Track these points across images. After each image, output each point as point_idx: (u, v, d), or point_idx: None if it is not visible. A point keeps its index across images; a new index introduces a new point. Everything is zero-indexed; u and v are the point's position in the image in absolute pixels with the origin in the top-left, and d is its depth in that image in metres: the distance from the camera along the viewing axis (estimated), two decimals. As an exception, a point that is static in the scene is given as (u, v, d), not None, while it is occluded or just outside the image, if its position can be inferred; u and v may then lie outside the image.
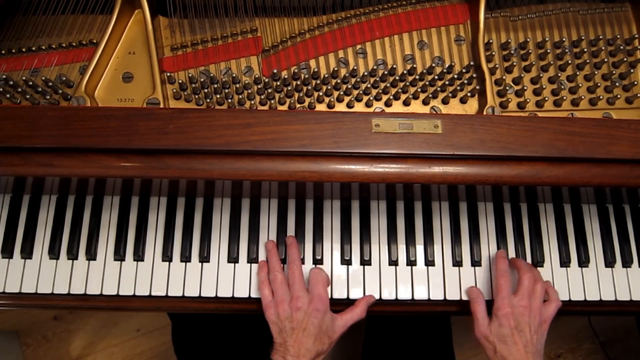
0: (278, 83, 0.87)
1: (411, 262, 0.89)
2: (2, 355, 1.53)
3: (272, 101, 0.86)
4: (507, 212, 0.93)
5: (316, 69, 0.87)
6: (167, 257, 0.88)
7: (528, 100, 0.87)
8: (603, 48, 0.92)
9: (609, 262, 0.91)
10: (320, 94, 0.88)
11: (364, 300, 0.86)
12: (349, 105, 0.88)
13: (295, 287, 0.82)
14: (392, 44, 0.91)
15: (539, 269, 0.90)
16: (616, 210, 0.94)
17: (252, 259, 0.89)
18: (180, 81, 0.87)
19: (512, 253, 0.91)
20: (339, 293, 0.87)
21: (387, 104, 0.88)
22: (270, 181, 0.80)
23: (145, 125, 0.75)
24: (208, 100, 0.85)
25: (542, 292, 0.83)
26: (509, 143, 0.76)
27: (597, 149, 0.76)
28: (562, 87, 0.90)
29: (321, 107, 0.87)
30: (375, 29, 0.91)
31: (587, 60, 0.90)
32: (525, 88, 0.88)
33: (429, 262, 0.89)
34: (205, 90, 0.86)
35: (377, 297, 0.88)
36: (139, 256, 0.88)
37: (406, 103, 0.88)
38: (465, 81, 0.88)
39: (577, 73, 0.90)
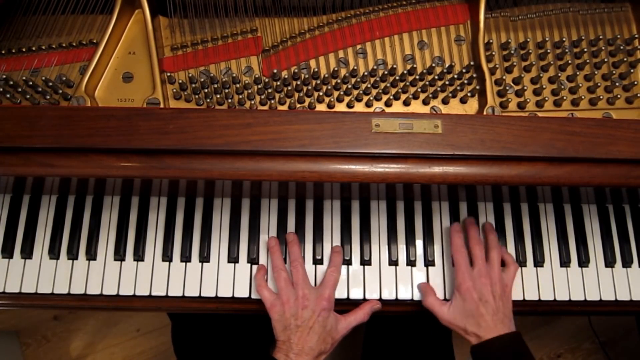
0: (278, 83, 0.87)
1: (411, 262, 0.89)
2: (2, 355, 1.53)
3: (272, 101, 0.86)
4: (507, 212, 0.93)
5: (316, 69, 0.87)
6: (167, 257, 0.88)
7: (528, 100, 0.87)
8: (603, 48, 0.92)
9: (609, 262, 0.91)
10: (320, 94, 0.88)
11: (369, 304, 0.86)
12: (349, 105, 0.88)
13: (300, 286, 0.82)
14: (392, 44, 0.91)
15: (538, 269, 0.90)
16: (616, 210, 0.94)
17: (252, 259, 0.89)
18: (180, 81, 0.87)
19: (512, 253, 0.90)
20: (339, 293, 0.87)
21: (387, 104, 0.88)
22: (270, 181, 0.80)
23: (145, 125, 0.75)
24: (208, 100, 0.85)
25: (498, 258, 0.84)
26: (509, 143, 0.76)
27: (597, 149, 0.76)
28: (562, 87, 0.90)
29: (321, 107, 0.87)
30: (375, 29, 0.91)
31: (587, 60, 0.90)
32: (525, 88, 0.88)
33: (429, 262, 0.89)
34: (205, 90, 0.86)
35: (377, 297, 0.88)
36: (139, 256, 0.88)
37: (406, 103, 0.88)
38: (465, 81, 0.88)
39: (577, 73, 0.90)
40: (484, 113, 0.84)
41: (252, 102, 0.86)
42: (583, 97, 0.89)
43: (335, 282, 0.85)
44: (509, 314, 0.81)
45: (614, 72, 0.91)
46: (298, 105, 0.87)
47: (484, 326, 0.78)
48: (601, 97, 0.89)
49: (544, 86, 0.88)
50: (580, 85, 0.89)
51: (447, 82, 0.88)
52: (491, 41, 0.91)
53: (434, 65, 0.89)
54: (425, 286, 0.87)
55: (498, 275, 0.82)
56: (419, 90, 0.88)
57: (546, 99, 0.88)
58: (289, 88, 0.87)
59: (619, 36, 0.92)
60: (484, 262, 0.83)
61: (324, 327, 0.80)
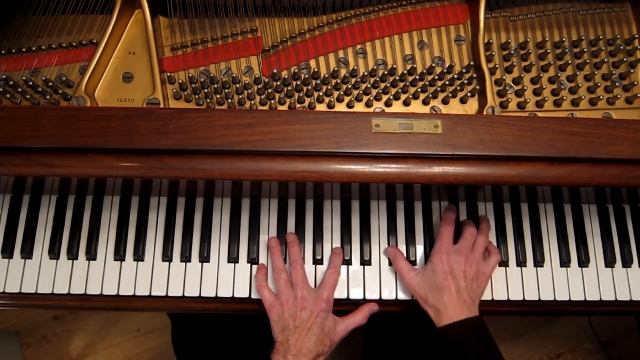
0: (278, 83, 0.87)
1: (411, 262, 0.89)
2: (2, 355, 1.53)
3: (272, 101, 0.86)
4: (507, 212, 0.93)
5: (316, 69, 0.87)
6: (167, 257, 0.88)
7: (528, 100, 0.87)
8: (603, 48, 0.92)
9: (609, 262, 0.91)
10: (320, 94, 0.88)
11: (367, 306, 0.86)
12: (349, 105, 0.88)
13: (299, 287, 0.82)
14: (392, 44, 0.91)
15: (538, 269, 0.90)
16: (616, 210, 0.94)
17: (252, 259, 0.89)
18: (180, 81, 0.87)
19: (512, 253, 0.91)
20: (339, 293, 0.87)
21: (387, 104, 0.88)
22: (270, 181, 0.80)
23: (145, 125, 0.75)
24: (208, 100, 0.85)
25: (482, 244, 0.85)
26: (509, 143, 0.76)
27: (597, 149, 0.76)
28: (562, 87, 0.90)
29: (321, 107, 0.87)
30: (375, 29, 0.91)
31: (587, 60, 0.90)
32: (525, 88, 0.88)
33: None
34: (205, 90, 0.86)
35: (377, 297, 0.88)
36: (139, 256, 0.88)
37: (406, 103, 0.88)
38: (465, 81, 0.88)
39: (577, 73, 0.90)
40: (484, 113, 0.84)
41: (252, 102, 0.86)
42: (583, 97, 0.89)
43: (335, 283, 0.85)
44: (475, 299, 0.81)
45: (614, 72, 0.91)
46: (298, 105, 0.87)
47: (446, 301, 0.78)
48: (601, 97, 0.89)
49: (544, 86, 0.88)
50: (580, 85, 0.89)
51: (447, 82, 0.88)
52: (491, 41, 0.91)
53: (434, 65, 0.89)
54: (395, 250, 0.88)
55: (477, 259, 0.83)
56: (419, 90, 0.88)
57: (546, 99, 0.88)
58: (289, 88, 0.87)
59: (619, 36, 0.92)
60: (468, 244, 0.84)
61: (322, 328, 0.80)
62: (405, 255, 0.90)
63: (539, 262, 0.90)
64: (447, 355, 0.78)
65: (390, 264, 0.89)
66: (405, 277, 0.84)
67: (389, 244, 0.90)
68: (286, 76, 0.87)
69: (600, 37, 0.92)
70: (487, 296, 0.87)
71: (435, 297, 0.80)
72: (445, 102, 0.88)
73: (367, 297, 0.88)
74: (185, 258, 0.88)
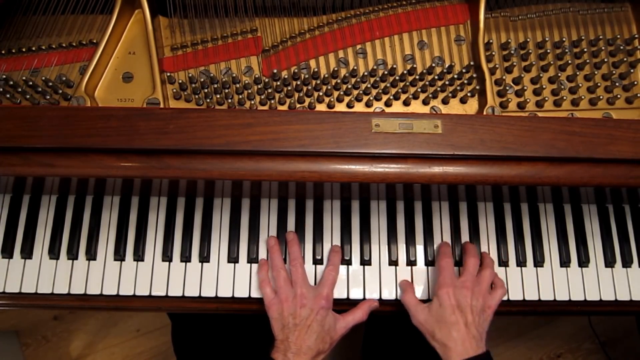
0: (278, 83, 0.87)
1: (411, 262, 0.89)
2: (2, 355, 1.53)
3: (272, 101, 0.86)
4: (507, 212, 0.93)
5: (316, 69, 0.87)
6: (167, 257, 0.88)
7: (528, 100, 0.87)
8: (603, 48, 0.92)
9: (609, 262, 0.91)
10: (320, 94, 0.88)
11: (366, 303, 0.86)
12: (349, 105, 0.88)
13: (299, 285, 0.82)
14: (392, 44, 0.91)
15: (538, 269, 0.90)
16: (616, 210, 0.94)
17: (252, 259, 0.89)
18: (180, 81, 0.87)
19: (512, 253, 0.91)
20: (339, 293, 0.87)
21: (387, 104, 0.88)
22: (270, 181, 0.80)
23: (145, 125, 0.75)
24: (208, 100, 0.85)
25: (489, 278, 0.83)
26: (509, 143, 0.76)
27: (597, 149, 0.76)
28: (562, 87, 0.90)
29: (321, 107, 0.87)
30: (375, 29, 0.91)
31: (587, 60, 0.90)
32: (525, 88, 0.88)
33: (429, 262, 0.89)
34: (205, 90, 0.86)
35: (377, 297, 0.88)
36: (139, 256, 0.88)
37: (406, 103, 0.88)
38: (465, 81, 0.88)
39: (577, 73, 0.90)
40: (484, 113, 0.84)
41: (252, 102, 0.86)
42: (583, 97, 0.89)
43: (334, 281, 0.85)
44: (482, 333, 0.79)
45: (614, 72, 0.91)
46: (298, 105, 0.87)
47: (454, 336, 0.76)
48: (601, 97, 0.89)
49: (544, 86, 0.88)
50: (580, 85, 0.89)
51: (447, 82, 0.88)
52: (491, 41, 0.91)
53: (434, 65, 0.89)
54: (406, 283, 0.87)
55: (483, 293, 0.81)
56: (419, 90, 0.88)
57: (546, 99, 0.88)
58: (289, 88, 0.87)
59: (619, 36, 0.92)
60: (473, 277, 0.82)
61: (322, 326, 0.80)
62: (405, 255, 0.90)
63: (539, 262, 0.90)
64: None
65: (390, 263, 0.89)
66: (412, 311, 0.83)
67: (389, 244, 0.90)
68: (286, 76, 0.87)
69: (600, 37, 0.92)
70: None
71: (443, 332, 0.77)
72: (445, 102, 0.88)
73: (367, 297, 0.88)
74: (185, 258, 0.88)
